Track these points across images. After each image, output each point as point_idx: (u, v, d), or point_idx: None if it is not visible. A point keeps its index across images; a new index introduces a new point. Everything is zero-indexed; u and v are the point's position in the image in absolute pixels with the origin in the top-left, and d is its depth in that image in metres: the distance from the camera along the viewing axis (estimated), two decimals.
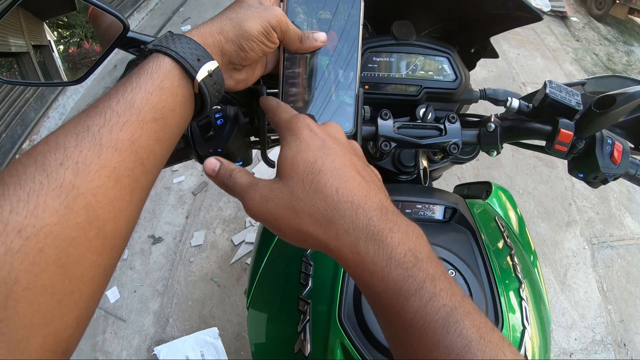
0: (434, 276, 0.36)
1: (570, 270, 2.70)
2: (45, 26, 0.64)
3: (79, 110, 3.78)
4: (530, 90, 4.13)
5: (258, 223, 2.63)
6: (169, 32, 0.48)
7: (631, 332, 2.50)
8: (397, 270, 0.36)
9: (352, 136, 0.60)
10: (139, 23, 5.23)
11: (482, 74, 4.29)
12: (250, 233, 2.59)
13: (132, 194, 0.38)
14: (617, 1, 6.48)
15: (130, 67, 0.68)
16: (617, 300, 2.63)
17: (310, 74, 0.58)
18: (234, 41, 0.48)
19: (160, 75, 0.42)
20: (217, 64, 0.47)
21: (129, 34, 0.58)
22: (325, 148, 0.43)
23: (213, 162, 0.47)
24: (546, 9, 6.34)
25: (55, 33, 0.66)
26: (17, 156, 3.04)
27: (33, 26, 0.63)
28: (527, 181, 3.22)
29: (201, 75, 0.45)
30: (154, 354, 2.09)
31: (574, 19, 6.53)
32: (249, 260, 2.45)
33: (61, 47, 0.66)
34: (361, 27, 0.58)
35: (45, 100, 3.50)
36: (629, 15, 6.65)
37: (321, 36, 0.55)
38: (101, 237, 0.34)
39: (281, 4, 0.56)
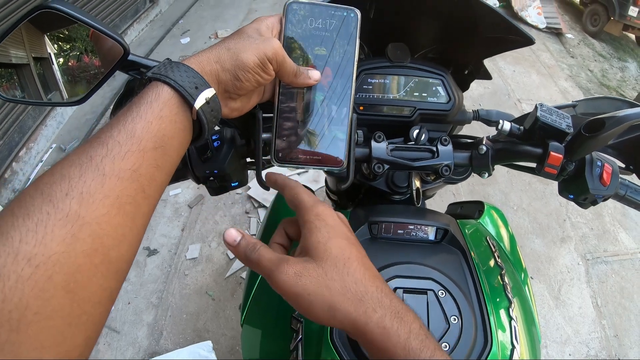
0: (437, 346, 0.43)
1: (565, 286, 2.71)
2: (46, 39, 0.64)
3: (77, 118, 3.80)
4: (525, 106, 4.17)
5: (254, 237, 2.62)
6: (167, 59, 0.49)
7: (625, 347, 2.50)
8: (416, 341, 0.42)
9: (344, 170, 0.61)
10: (138, 34, 5.26)
11: (478, 91, 4.32)
12: None
13: (134, 220, 0.40)
14: (612, 18, 6.56)
15: (129, 85, 0.69)
16: (612, 315, 2.63)
17: (305, 108, 0.59)
18: (230, 71, 0.50)
19: (160, 104, 0.43)
20: (214, 92, 0.48)
21: (130, 57, 0.59)
22: (348, 238, 0.49)
23: (234, 233, 0.50)
24: (542, 26, 6.41)
25: (56, 46, 0.66)
26: (13, 164, 3.05)
27: (34, 38, 0.63)
28: (521, 197, 3.24)
29: (199, 102, 0.46)
30: None
31: (569, 35, 6.60)
32: (244, 274, 2.44)
33: (61, 60, 0.67)
34: (356, 64, 0.59)
35: (44, 109, 3.50)
36: (624, 32, 6.74)
37: (315, 75, 0.57)
38: (106, 262, 0.36)
39: (279, 36, 0.57)
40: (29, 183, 3.17)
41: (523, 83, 4.82)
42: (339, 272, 0.45)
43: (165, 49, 5.03)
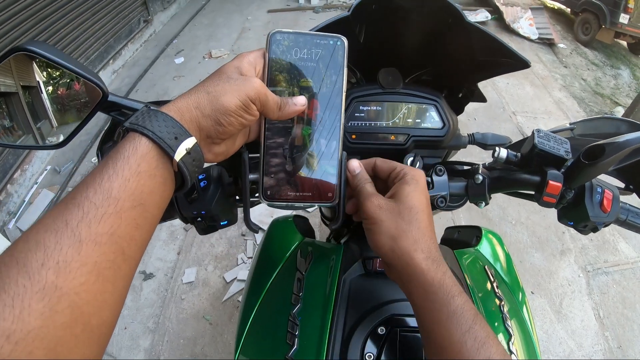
0: (463, 290, 0.52)
1: (566, 299, 2.68)
2: (35, 66, 0.63)
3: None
4: (520, 118, 4.17)
5: (250, 261, 2.62)
6: (146, 106, 0.48)
7: (630, 357, 2.47)
8: (449, 280, 0.51)
9: (336, 205, 0.59)
10: (132, 54, 5.28)
11: (473, 105, 4.23)
12: (243, 270, 2.57)
13: (114, 284, 0.38)
14: (603, 26, 6.60)
15: (114, 121, 0.67)
16: (614, 326, 2.61)
17: (292, 143, 0.57)
18: (210, 116, 0.48)
19: (137, 158, 0.42)
20: (195, 141, 0.46)
21: (110, 98, 0.57)
22: (427, 197, 0.58)
23: (356, 165, 0.61)
24: (534, 37, 6.45)
25: (45, 74, 0.65)
26: (8, 186, 3.03)
27: (22, 67, 0.63)
28: (519, 211, 3.22)
29: (179, 154, 0.44)
30: None
31: (561, 45, 6.64)
32: (240, 298, 2.41)
33: (50, 88, 0.65)
34: (344, 94, 0.58)
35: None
36: (615, 39, 6.78)
37: (300, 100, 0.55)
38: (88, 330, 0.35)
39: (262, 71, 0.55)
40: (23, 205, 3.15)
41: (517, 95, 4.83)
42: (409, 217, 0.54)
43: (159, 69, 5.04)
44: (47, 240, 0.35)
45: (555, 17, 7.76)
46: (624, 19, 6.36)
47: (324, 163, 0.58)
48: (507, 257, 1.01)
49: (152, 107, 0.47)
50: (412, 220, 0.54)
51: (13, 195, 3.16)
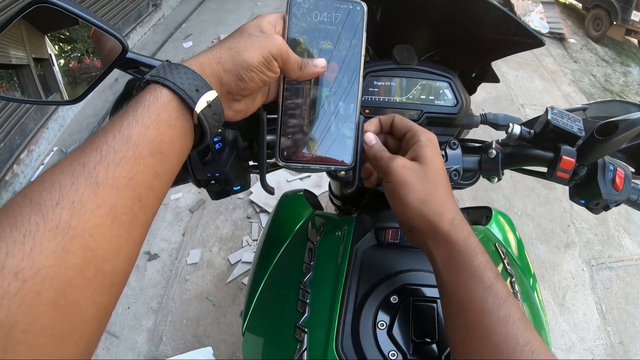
0: (484, 250, 0.53)
1: (569, 292, 2.68)
2: (47, 40, 0.63)
3: (79, 122, 3.79)
4: (528, 111, 4.16)
5: (256, 242, 2.63)
6: (167, 61, 0.47)
7: (631, 353, 2.48)
8: (474, 239, 0.53)
9: (351, 169, 0.59)
10: (141, 38, 5.26)
11: (481, 96, 4.31)
12: (247, 252, 2.57)
13: (130, 231, 0.38)
14: (614, 22, 6.55)
15: (128, 86, 0.67)
16: (617, 321, 2.61)
17: (310, 104, 0.57)
18: (232, 71, 0.48)
19: (158, 107, 0.41)
20: (216, 94, 0.46)
21: (129, 55, 0.57)
22: (443, 163, 0.59)
23: (372, 137, 0.60)
24: (544, 31, 6.41)
25: (57, 47, 0.65)
26: (14, 166, 3.04)
27: (34, 39, 0.62)
28: (525, 203, 3.22)
29: (200, 106, 0.44)
30: None
31: (571, 40, 6.60)
32: (245, 280, 2.43)
33: (62, 61, 0.65)
34: (363, 58, 0.58)
35: (45, 111, 3.50)
36: (626, 37, 6.73)
37: (321, 62, 0.55)
38: (100, 276, 0.34)
39: (282, 32, 0.55)
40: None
41: (526, 88, 4.81)
42: (435, 180, 0.55)
43: (167, 52, 5.02)
44: (62, 181, 0.34)
45: (566, 11, 7.71)
46: (635, 16, 6.31)
47: (341, 125, 0.58)
48: (519, 241, 1.01)
49: (172, 63, 0.47)
50: (438, 183, 0.55)
51: (19, 175, 3.16)
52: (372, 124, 0.62)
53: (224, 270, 2.52)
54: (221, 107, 0.48)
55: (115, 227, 0.36)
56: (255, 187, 2.87)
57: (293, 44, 0.55)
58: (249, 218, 2.81)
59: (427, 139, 0.58)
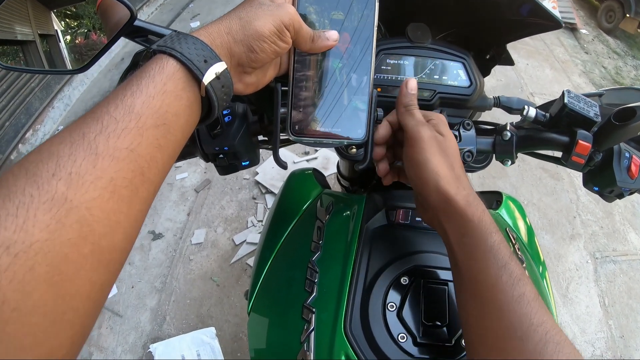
0: (499, 229, 0.53)
1: (573, 284, 2.68)
2: (53, 16, 0.63)
3: (84, 101, 3.80)
4: (538, 100, 4.13)
5: (261, 223, 2.64)
6: (175, 31, 0.46)
7: (631, 348, 2.48)
8: (488, 217, 0.53)
9: (364, 144, 0.58)
10: (147, 17, 5.24)
11: (491, 83, 4.26)
12: (252, 233, 2.57)
13: (130, 206, 0.36)
14: (628, 15, 6.45)
15: (136, 58, 0.66)
16: (619, 315, 2.61)
17: (322, 76, 0.56)
18: (243, 42, 0.46)
19: (164, 77, 0.40)
20: (226, 66, 0.45)
21: (136, 23, 0.55)
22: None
23: (415, 85, 0.62)
24: None
25: (63, 23, 0.65)
26: (19, 145, 3.04)
27: (40, 15, 0.62)
28: (532, 192, 3.20)
29: (208, 77, 0.43)
30: (150, 351, 2.08)
31: (583, 31, 6.51)
32: (249, 261, 2.43)
33: (68, 37, 0.65)
34: (375, 28, 0.56)
35: (51, 90, 3.50)
36: (639, 30, 6.63)
37: (333, 35, 0.54)
38: (97, 252, 0.33)
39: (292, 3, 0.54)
40: None
41: (536, 77, 4.76)
42: (453, 154, 0.57)
43: None
44: (60, 151, 0.32)
45: (579, 2, 7.59)
46: None
47: (354, 98, 0.56)
48: (529, 228, 1.00)
49: (181, 33, 0.45)
50: (454, 159, 0.57)
51: (24, 154, 3.14)
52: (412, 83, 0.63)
53: (229, 250, 2.52)
54: (230, 79, 0.46)
55: (114, 201, 0.34)
56: (261, 168, 2.87)
57: (304, 14, 0.54)
58: (254, 199, 2.80)
59: (439, 119, 0.61)
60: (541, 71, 4.91)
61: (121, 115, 0.36)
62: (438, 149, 0.56)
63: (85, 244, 0.32)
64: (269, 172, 2.82)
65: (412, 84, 0.61)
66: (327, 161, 2.97)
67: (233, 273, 2.40)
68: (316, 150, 3.01)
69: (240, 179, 2.89)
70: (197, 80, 0.42)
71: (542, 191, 3.23)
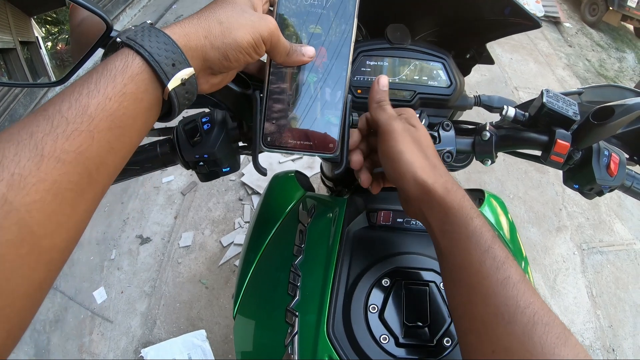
0: (480, 213, 0.53)
1: (560, 276, 2.71)
2: (33, 22, 0.62)
3: None
4: (522, 94, 4.16)
5: (247, 225, 2.63)
6: (149, 23, 0.45)
7: (620, 337, 2.51)
8: (468, 202, 0.53)
9: (337, 157, 0.58)
10: (130, 20, 5.19)
11: (475, 78, 4.29)
12: (240, 235, 2.57)
13: (74, 207, 0.35)
14: (611, 8, 6.52)
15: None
16: (607, 305, 2.64)
17: (297, 90, 0.56)
18: (220, 49, 0.45)
19: (125, 78, 0.38)
20: (194, 72, 0.44)
21: (114, 34, 0.55)
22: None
23: (386, 82, 0.62)
24: (539, 14, 6.37)
25: (43, 29, 0.64)
26: None
27: (20, 22, 0.61)
28: (518, 186, 3.23)
29: (173, 83, 0.42)
30: (141, 356, 2.07)
31: (567, 24, 6.57)
32: (237, 262, 2.42)
33: (49, 43, 0.64)
34: (352, 45, 0.56)
35: (35, 96, 3.47)
36: (622, 22, 6.71)
37: (309, 51, 0.54)
38: (35, 253, 0.33)
39: (270, 12, 0.54)
40: None
41: (520, 71, 4.80)
42: (427, 144, 0.57)
43: None
44: (6, 151, 0.32)
45: None
46: (632, 2, 6.29)
47: (328, 112, 0.56)
48: (511, 224, 1.01)
49: (155, 26, 0.44)
50: (428, 149, 0.57)
51: None
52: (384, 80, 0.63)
53: (217, 252, 2.52)
54: (195, 85, 0.45)
55: (56, 203, 0.33)
56: (247, 169, 2.86)
57: (282, 26, 0.54)
58: (240, 200, 2.80)
59: (409, 113, 0.61)
60: (525, 65, 4.95)
61: (73, 116, 0.35)
62: (411, 140, 0.56)
63: (23, 245, 0.31)
64: (255, 174, 2.81)
65: (383, 81, 0.61)
66: (312, 160, 2.96)
67: (222, 275, 2.39)
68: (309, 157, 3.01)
69: (227, 181, 2.89)
70: (162, 83, 0.41)
71: (528, 185, 3.26)
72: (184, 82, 0.43)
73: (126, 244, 2.54)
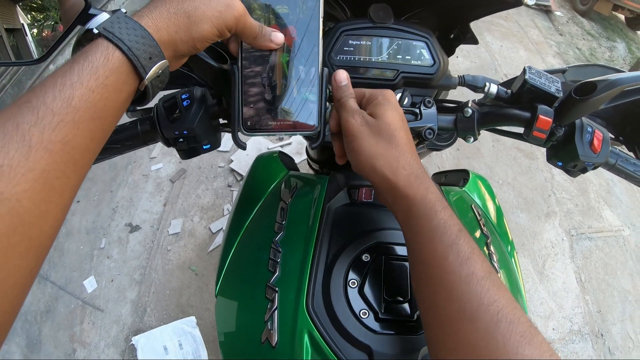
0: (448, 205, 0.52)
1: (549, 261, 2.73)
2: (19, 9, 0.62)
3: None
4: None
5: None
6: (122, 12, 0.45)
7: (608, 322, 2.54)
8: (432, 195, 0.52)
9: (317, 133, 0.59)
10: (122, 4, 5.14)
11: (465, 65, 4.29)
12: None
13: (61, 195, 0.37)
14: None
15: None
16: (595, 291, 2.67)
17: (271, 71, 0.56)
18: (188, 42, 0.47)
19: (107, 71, 0.40)
20: (168, 64, 0.46)
21: (91, 11, 0.54)
22: (401, 114, 0.59)
23: (344, 77, 0.60)
24: (531, 3, 6.36)
25: (29, 16, 0.63)
26: None
27: (5, 9, 0.61)
28: (507, 172, 3.24)
29: (151, 75, 0.44)
30: (132, 343, 2.07)
31: (558, 13, 6.57)
32: None
33: (35, 30, 0.64)
34: (321, 20, 0.57)
35: (23, 87, 3.43)
36: (613, 12, 6.72)
37: (277, 38, 0.55)
38: (26, 240, 0.33)
39: None
40: None
41: (510, 58, 4.79)
42: (388, 134, 0.55)
43: None
44: None
45: None
46: None
47: (304, 90, 0.57)
48: (498, 207, 1.01)
49: (128, 16, 0.45)
50: (392, 138, 0.55)
51: None
52: (341, 76, 0.61)
53: (206, 239, 2.51)
54: (168, 73, 0.48)
55: (45, 192, 0.35)
56: (236, 155, 2.85)
57: (249, 8, 0.54)
58: (229, 186, 2.79)
59: (383, 96, 0.59)
60: (515, 52, 4.94)
61: (58, 107, 0.36)
62: (370, 133, 0.55)
63: (15, 234, 0.32)
64: (244, 160, 2.81)
65: (341, 76, 0.61)
66: (301, 146, 2.96)
67: (211, 261, 2.39)
68: (290, 136, 3.00)
69: (216, 167, 2.87)
70: (139, 75, 0.43)
71: (517, 170, 3.27)
72: (158, 74, 0.45)
73: (116, 232, 2.53)
